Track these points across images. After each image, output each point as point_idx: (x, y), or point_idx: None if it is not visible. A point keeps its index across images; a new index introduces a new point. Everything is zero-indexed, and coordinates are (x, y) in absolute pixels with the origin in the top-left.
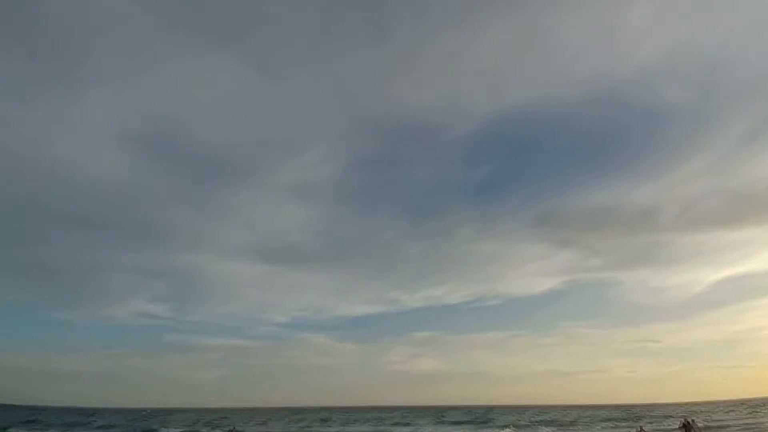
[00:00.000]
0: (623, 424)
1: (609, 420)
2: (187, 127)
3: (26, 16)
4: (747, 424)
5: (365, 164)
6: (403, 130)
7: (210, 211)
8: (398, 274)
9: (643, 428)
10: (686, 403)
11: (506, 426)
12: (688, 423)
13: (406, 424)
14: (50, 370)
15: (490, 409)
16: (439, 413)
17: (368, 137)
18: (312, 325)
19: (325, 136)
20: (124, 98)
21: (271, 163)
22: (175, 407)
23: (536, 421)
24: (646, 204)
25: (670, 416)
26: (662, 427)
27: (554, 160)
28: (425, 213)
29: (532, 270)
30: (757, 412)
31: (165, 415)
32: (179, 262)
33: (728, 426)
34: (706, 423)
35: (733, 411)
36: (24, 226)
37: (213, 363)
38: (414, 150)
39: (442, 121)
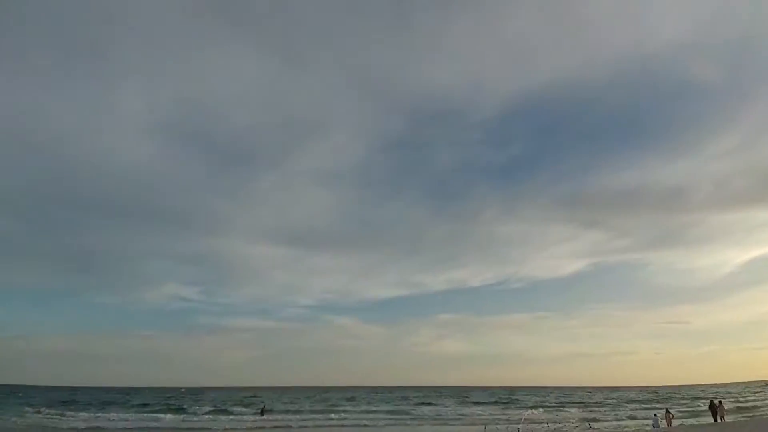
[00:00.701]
0: (649, 405)
1: (635, 401)
2: (213, 114)
3: (58, 12)
4: None
5: (389, 147)
6: (427, 111)
7: (238, 196)
8: (422, 257)
9: (669, 410)
10: (714, 385)
11: (532, 407)
12: (716, 404)
13: (430, 404)
14: (90, 351)
15: (514, 390)
16: (463, 393)
17: (392, 120)
18: (338, 308)
19: (349, 120)
20: (152, 88)
21: (297, 148)
22: (208, 386)
23: (562, 402)
24: (675, 183)
25: (698, 398)
26: (690, 409)
27: (581, 139)
28: (449, 195)
29: (558, 252)
30: None
31: (200, 393)
32: (209, 247)
33: (758, 407)
34: (737, 405)
35: (761, 392)
36: (63, 215)
37: (243, 344)
38: (438, 132)
39: (466, 101)
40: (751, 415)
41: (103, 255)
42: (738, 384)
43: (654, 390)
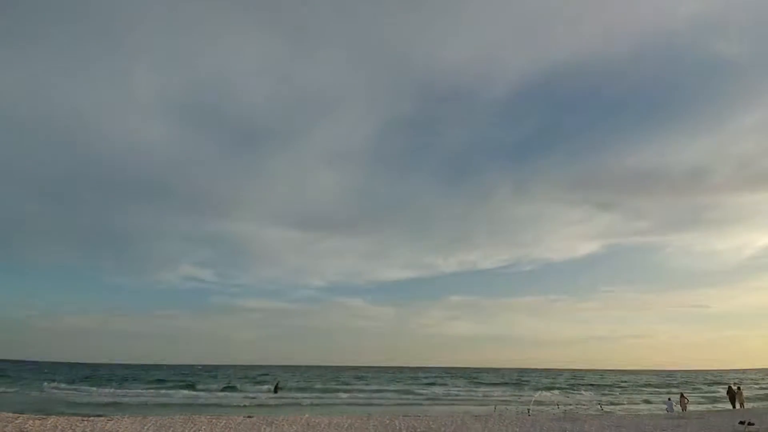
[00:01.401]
0: (665, 389)
1: (649, 385)
2: (225, 94)
3: None
4: None
5: (400, 126)
6: (440, 89)
7: (249, 178)
8: (433, 239)
9: (684, 394)
10: (734, 370)
11: (543, 389)
12: (734, 390)
13: (440, 384)
14: (108, 330)
15: (525, 371)
16: (473, 375)
17: (403, 98)
18: (348, 289)
19: (360, 99)
20: (164, 67)
21: (308, 128)
22: (223, 363)
23: (573, 384)
24: (696, 163)
25: (716, 383)
26: (707, 395)
27: (597, 118)
28: (461, 176)
29: (571, 234)
30: None
31: (215, 370)
32: (222, 228)
33: None
34: (758, 392)
35: None
36: (81, 196)
37: (256, 324)
38: (450, 110)
39: (479, 79)
40: None
41: (121, 236)
42: (759, 370)
43: (669, 374)
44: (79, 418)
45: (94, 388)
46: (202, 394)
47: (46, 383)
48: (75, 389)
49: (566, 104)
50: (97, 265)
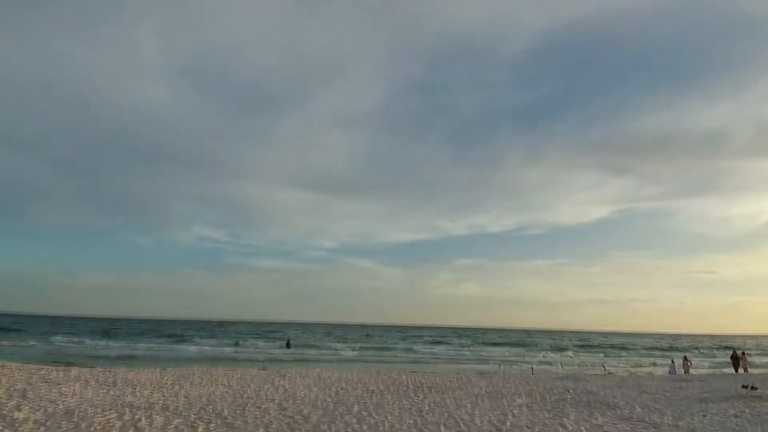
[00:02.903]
0: (670, 353)
1: (654, 348)
2: (231, 57)
3: None
4: None
5: (411, 89)
6: (450, 51)
7: (260, 140)
8: (443, 202)
9: (687, 357)
10: (740, 336)
11: (547, 349)
12: (738, 355)
13: (446, 343)
14: (125, 287)
15: (531, 333)
16: (479, 335)
17: (413, 61)
18: (358, 251)
19: (369, 61)
20: (168, 31)
21: (316, 92)
22: (237, 320)
23: (578, 346)
24: (714, 127)
25: (721, 348)
26: (711, 359)
27: (614, 79)
28: (472, 139)
29: (583, 198)
30: None
31: (229, 326)
32: (234, 190)
33: None
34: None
35: None
36: (92, 161)
37: (268, 282)
38: (461, 72)
39: (491, 39)
40: None
41: (135, 198)
42: (766, 336)
43: (675, 338)
44: (102, 369)
45: (103, 342)
46: (216, 348)
47: (58, 337)
48: (78, 342)
49: (582, 65)
50: (112, 226)
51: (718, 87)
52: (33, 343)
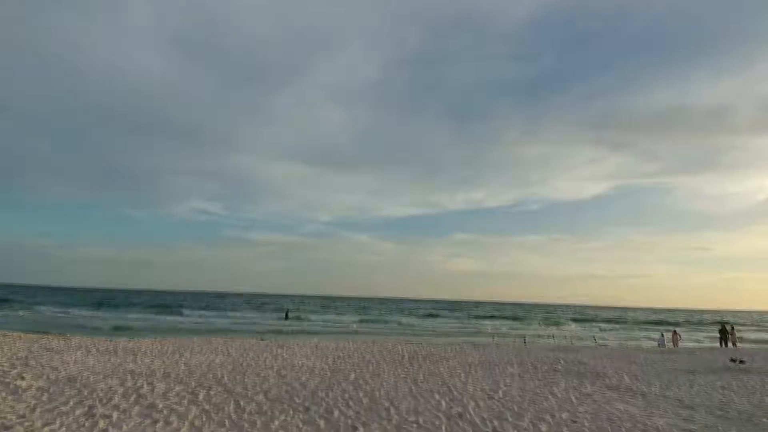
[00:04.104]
0: (662, 327)
1: (646, 322)
2: (224, 27)
3: None
4: None
5: (407, 62)
6: (449, 22)
7: (254, 113)
8: (440, 177)
9: (677, 330)
10: (733, 312)
11: (542, 322)
12: (727, 330)
13: (440, 316)
14: (124, 259)
15: (525, 307)
16: (474, 308)
17: (410, 32)
18: (355, 225)
19: (365, 33)
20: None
21: (313, 63)
22: (236, 292)
23: (572, 319)
24: (716, 103)
25: (714, 322)
26: (702, 332)
27: (615, 53)
28: (470, 114)
29: (580, 174)
30: None
31: (227, 298)
32: (230, 163)
33: None
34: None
35: None
36: (92, 132)
37: (265, 256)
38: (460, 44)
39: (491, 9)
40: (765, 346)
41: (130, 170)
42: (758, 312)
43: (668, 312)
44: (103, 338)
45: (91, 313)
46: (214, 319)
47: (44, 306)
48: (63, 312)
49: (585, 38)
50: (111, 198)
51: (723, 63)
52: (22, 313)
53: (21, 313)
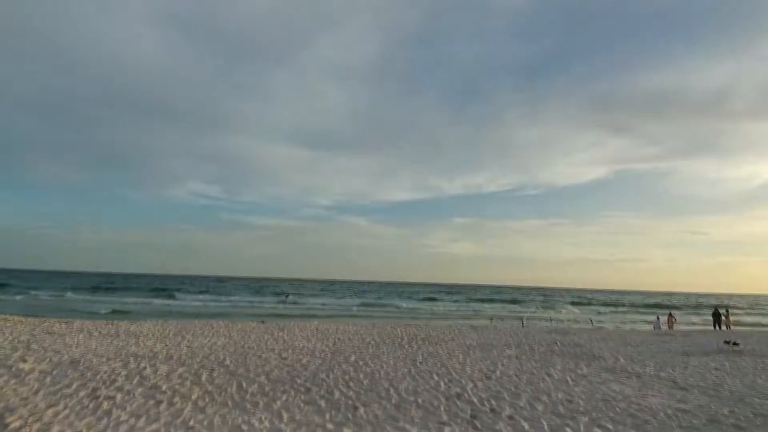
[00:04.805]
0: (658, 310)
1: (642, 305)
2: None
3: None
4: None
5: (406, 41)
6: (449, 1)
7: (252, 93)
8: (439, 161)
9: (672, 313)
10: (729, 295)
11: (538, 306)
12: (720, 313)
13: (438, 299)
14: (122, 242)
15: (523, 290)
16: (472, 291)
17: (410, 10)
18: (354, 209)
19: (363, 10)
20: None
21: (312, 41)
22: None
23: (569, 302)
24: (716, 86)
25: (710, 306)
26: (697, 316)
27: (617, 34)
28: (469, 96)
29: (580, 158)
30: None
31: (226, 281)
32: (226, 145)
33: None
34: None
35: None
36: (88, 113)
37: (264, 240)
38: (460, 23)
39: None
40: (759, 329)
41: (128, 152)
42: (753, 296)
43: (664, 296)
44: (104, 321)
45: (92, 297)
46: (214, 303)
47: (39, 291)
48: (58, 296)
49: (583, 18)
50: (107, 180)
51: (724, 46)
52: (18, 298)
53: (17, 297)
